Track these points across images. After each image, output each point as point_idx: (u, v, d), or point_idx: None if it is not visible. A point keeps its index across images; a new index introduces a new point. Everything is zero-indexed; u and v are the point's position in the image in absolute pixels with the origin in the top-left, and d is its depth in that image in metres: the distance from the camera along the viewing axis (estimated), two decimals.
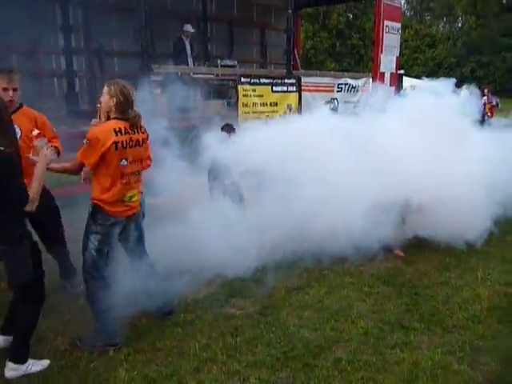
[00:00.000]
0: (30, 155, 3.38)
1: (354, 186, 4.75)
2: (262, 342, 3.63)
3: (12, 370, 3.21)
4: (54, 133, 4.12)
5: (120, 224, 3.58)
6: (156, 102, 6.95)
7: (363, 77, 11.79)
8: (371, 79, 11.44)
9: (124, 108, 3.45)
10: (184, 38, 9.48)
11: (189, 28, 9.51)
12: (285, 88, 9.61)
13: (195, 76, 8.94)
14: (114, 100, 3.42)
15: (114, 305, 3.49)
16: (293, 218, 4.61)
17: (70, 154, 5.65)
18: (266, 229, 4.61)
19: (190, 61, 9.56)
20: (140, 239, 3.80)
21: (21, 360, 3.23)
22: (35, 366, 3.27)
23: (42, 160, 3.19)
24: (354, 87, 11.17)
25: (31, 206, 3.04)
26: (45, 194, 4.10)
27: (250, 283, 4.48)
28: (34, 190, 3.05)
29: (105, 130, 3.39)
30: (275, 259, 4.75)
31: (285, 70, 9.97)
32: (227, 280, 4.48)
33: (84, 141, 3.39)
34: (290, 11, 9.64)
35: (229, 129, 5.86)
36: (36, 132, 3.60)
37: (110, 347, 3.49)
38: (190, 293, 4.30)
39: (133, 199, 3.58)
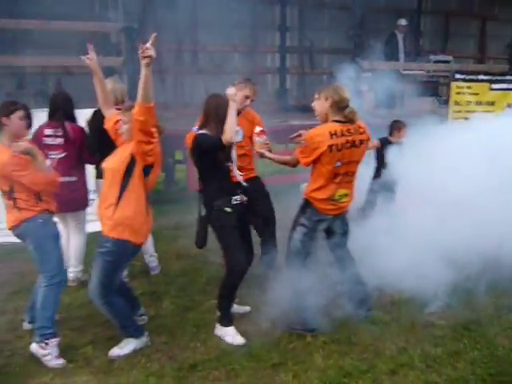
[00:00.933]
0: (256, 149, 3.79)
1: None
2: (464, 358, 3.37)
3: (216, 328, 3.71)
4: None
5: (326, 221, 3.69)
6: (363, 98, 6.93)
7: None
8: None
9: (340, 106, 3.51)
10: (397, 33, 9.25)
11: (403, 22, 9.25)
12: (505, 85, 8.67)
13: (405, 72, 8.67)
14: (330, 101, 3.51)
15: (314, 292, 3.61)
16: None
17: (277, 146, 6.08)
18: (481, 238, 4.23)
19: (402, 56, 9.28)
20: (344, 236, 3.84)
21: (222, 323, 3.68)
22: (228, 336, 3.62)
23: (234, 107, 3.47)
24: None
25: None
26: (258, 181, 4.46)
27: (455, 294, 4.16)
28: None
29: (321, 133, 3.49)
30: (488, 272, 4.34)
31: (507, 66, 9.00)
32: (427, 286, 4.23)
33: (302, 141, 3.59)
34: None
35: (403, 125, 5.48)
36: (259, 129, 3.87)
37: (307, 332, 3.64)
38: (388, 294, 4.21)
39: (343, 199, 3.65)
